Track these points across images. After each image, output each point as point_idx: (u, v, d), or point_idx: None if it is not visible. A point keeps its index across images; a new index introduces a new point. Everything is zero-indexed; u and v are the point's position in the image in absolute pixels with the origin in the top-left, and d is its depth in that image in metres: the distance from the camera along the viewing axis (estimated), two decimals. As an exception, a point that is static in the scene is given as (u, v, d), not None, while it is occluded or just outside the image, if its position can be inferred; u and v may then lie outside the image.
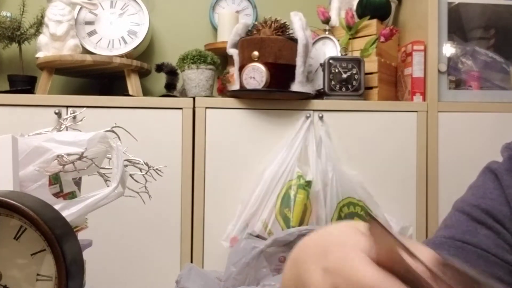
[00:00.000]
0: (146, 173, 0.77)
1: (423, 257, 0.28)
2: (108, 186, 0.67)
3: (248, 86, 1.70)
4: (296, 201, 1.66)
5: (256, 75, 1.68)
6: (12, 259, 0.52)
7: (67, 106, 1.70)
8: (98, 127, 0.72)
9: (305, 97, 1.77)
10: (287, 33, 1.76)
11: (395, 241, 0.28)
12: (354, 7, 1.98)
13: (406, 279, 0.28)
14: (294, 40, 1.71)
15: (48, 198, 0.63)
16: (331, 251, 0.32)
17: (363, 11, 1.93)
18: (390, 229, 0.29)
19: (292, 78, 1.71)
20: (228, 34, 1.86)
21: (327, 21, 1.97)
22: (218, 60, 1.90)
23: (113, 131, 0.73)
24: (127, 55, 1.89)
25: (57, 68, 1.85)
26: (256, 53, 1.69)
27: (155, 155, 1.65)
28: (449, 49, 1.92)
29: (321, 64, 1.86)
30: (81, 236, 0.68)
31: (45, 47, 1.81)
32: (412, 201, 1.81)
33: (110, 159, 0.72)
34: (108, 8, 1.93)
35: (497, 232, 0.60)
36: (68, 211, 0.63)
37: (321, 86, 1.83)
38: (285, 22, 1.77)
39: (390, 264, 0.29)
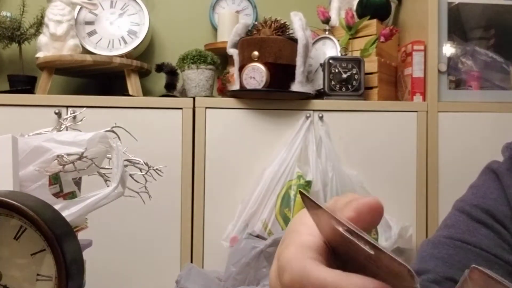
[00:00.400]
0: (146, 173, 0.77)
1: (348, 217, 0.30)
2: (108, 186, 0.67)
3: (248, 86, 1.70)
4: (296, 201, 1.66)
5: (256, 75, 1.68)
6: (12, 259, 0.52)
7: (67, 106, 1.70)
8: (98, 127, 0.72)
9: (305, 97, 1.78)
10: (287, 33, 1.76)
11: (325, 212, 0.29)
12: (354, 7, 1.98)
13: (346, 247, 0.29)
14: (294, 40, 1.71)
15: (48, 198, 0.63)
16: (284, 239, 0.34)
17: (363, 11, 1.93)
18: (319, 201, 0.30)
19: (292, 78, 1.71)
20: (228, 34, 1.86)
21: (327, 21, 1.97)
22: (218, 60, 1.90)
23: (113, 131, 0.73)
24: (127, 55, 1.89)
25: (57, 68, 1.85)
26: (256, 53, 1.69)
27: (155, 155, 1.66)
28: (449, 49, 1.92)
29: (321, 64, 1.86)
30: (81, 236, 0.68)
31: (45, 47, 1.81)
32: (412, 201, 1.81)
33: (110, 159, 0.72)
34: (108, 8, 1.93)
35: (497, 232, 0.60)
36: (68, 211, 0.63)
37: (321, 86, 1.83)
38: (285, 22, 1.77)
39: (333, 237, 0.30)
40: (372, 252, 0.27)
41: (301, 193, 0.31)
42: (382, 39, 1.89)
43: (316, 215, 0.31)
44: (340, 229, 0.29)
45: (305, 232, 0.32)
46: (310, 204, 0.31)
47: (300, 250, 0.31)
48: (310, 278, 0.28)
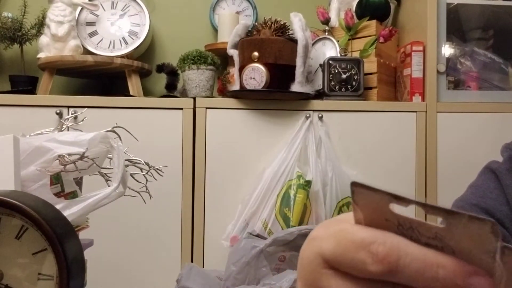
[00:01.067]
0: (146, 173, 0.77)
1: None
2: (109, 186, 0.67)
3: (248, 87, 1.70)
4: (296, 201, 1.66)
5: (256, 75, 1.69)
6: (13, 259, 0.52)
7: (68, 106, 1.71)
8: (99, 127, 0.72)
9: (305, 97, 1.78)
10: (287, 33, 1.76)
11: (383, 194, 0.27)
12: (354, 7, 1.98)
13: (401, 233, 0.28)
14: (294, 41, 1.71)
15: (50, 198, 0.63)
16: (316, 231, 0.32)
17: (362, 11, 1.94)
18: (374, 186, 0.28)
19: (292, 78, 1.71)
20: (228, 35, 1.86)
21: (326, 21, 1.98)
22: (219, 60, 1.90)
23: (114, 131, 0.73)
24: (128, 56, 1.90)
25: (58, 68, 1.86)
26: (256, 53, 1.70)
27: (155, 155, 1.66)
28: (448, 50, 1.93)
29: (320, 65, 1.86)
30: (82, 235, 0.68)
31: (47, 48, 1.81)
32: (411, 201, 1.81)
33: (111, 159, 0.72)
34: (109, 9, 1.93)
35: None
36: (69, 210, 0.63)
37: (321, 87, 1.84)
38: (285, 23, 1.77)
39: (382, 227, 0.28)
40: (442, 225, 0.25)
41: (353, 183, 0.29)
42: (381, 39, 1.89)
43: (365, 205, 0.29)
44: (403, 209, 0.26)
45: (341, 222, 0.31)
46: (361, 192, 0.28)
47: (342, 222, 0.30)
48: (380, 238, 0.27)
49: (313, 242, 0.30)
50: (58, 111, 1.69)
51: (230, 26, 1.95)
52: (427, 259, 0.26)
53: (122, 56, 1.86)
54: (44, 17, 1.84)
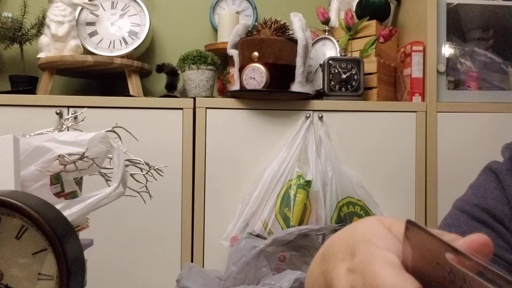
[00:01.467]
0: (146, 173, 0.77)
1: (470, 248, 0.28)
2: (109, 186, 0.67)
3: (248, 87, 1.70)
4: (296, 201, 1.66)
5: (256, 75, 1.69)
6: (13, 259, 0.52)
7: (68, 106, 1.71)
8: (99, 127, 0.72)
9: (305, 97, 1.78)
10: (287, 33, 1.76)
11: (440, 243, 0.27)
12: (354, 7, 1.98)
13: (449, 282, 0.28)
14: (294, 41, 1.71)
15: (50, 198, 0.63)
16: (358, 249, 0.31)
17: (362, 11, 1.94)
18: (430, 231, 0.28)
19: (292, 78, 1.71)
20: (228, 35, 1.86)
21: (326, 21, 1.98)
22: (219, 60, 1.90)
23: (114, 131, 0.73)
24: (128, 56, 1.90)
25: (58, 68, 1.86)
26: (256, 53, 1.70)
27: (155, 155, 1.67)
28: (448, 50, 1.93)
29: (320, 65, 1.86)
30: (82, 235, 0.68)
31: (46, 48, 1.81)
32: (411, 201, 1.82)
33: (111, 159, 0.72)
34: (109, 9, 1.93)
35: (497, 232, 0.61)
36: (69, 210, 0.63)
37: (321, 87, 1.84)
38: (285, 23, 1.77)
39: (431, 269, 0.28)
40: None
41: (408, 221, 0.29)
42: (381, 39, 1.89)
43: (418, 244, 0.29)
44: (455, 263, 0.26)
45: (381, 241, 0.30)
46: (415, 232, 0.28)
47: (381, 251, 0.29)
48: None
49: (331, 257, 0.30)
50: (58, 111, 1.69)
51: (230, 26, 1.95)
52: None
53: (122, 56, 1.87)
54: (44, 17, 1.85)
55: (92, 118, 0.90)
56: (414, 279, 0.27)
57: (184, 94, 1.94)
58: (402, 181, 1.82)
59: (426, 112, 1.83)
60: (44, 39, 1.82)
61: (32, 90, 1.84)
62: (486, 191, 0.64)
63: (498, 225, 0.61)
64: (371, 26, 1.91)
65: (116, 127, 0.74)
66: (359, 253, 0.30)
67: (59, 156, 0.66)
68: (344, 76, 1.80)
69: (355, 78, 1.80)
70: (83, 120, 0.84)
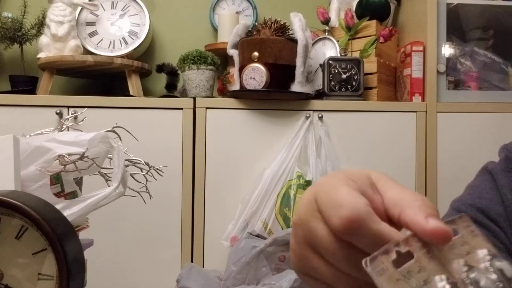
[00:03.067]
0: (146, 173, 0.77)
1: None
2: (109, 186, 0.68)
3: (248, 87, 1.70)
4: (296, 201, 1.66)
5: (256, 75, 1.69)
6: (13, 259, 0.52)
7: (68, 106, 1.71)
8: (99, 127, 0.72)
9: (305, 97, 1.78)
10: (287, 33, 1.76)
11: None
12: (354, 7, 1.98)
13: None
14: (294, 41, 1.72)
15: (50, 198, 0.63)
16: (321, 178, 0.38)
17: (362, 11, 1.94)
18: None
19: (292, 78, 1.71)
20: (228, 35, 1.86)
21: (326, 21, 1.98)
22: (219, 60, 1.90)
23: (114, 131, 0.73)
24: (128, 56, 1.90)
25: (58, 68, 1.86)
26: (256, 53, 1.70)
27: (155, 155, 1.67)
28: (448, 50, 1.93)
29: (320, 65, 1.86)
30: (82, 235, 0.68)
31: (46, 48, 1.81)
32: (411, 201, 1.81)
33: (111, 159, 0.72)
34: (109, 9, 1.93)
35: (492, 231, 0.61)
36: (69, 210, 0.63)
37: (321, 87, 1.84)
38: (285, 23, 1.77)
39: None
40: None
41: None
42: (381, 39, 1.89)
43: None
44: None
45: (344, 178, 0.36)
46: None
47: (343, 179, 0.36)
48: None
49: (314, 188, 0.36)
50: (58, 111, 1.69)
51: (230, 26, 1.95)
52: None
53: (122, 56, 1.87)
54: (44, 17, 1.85)
55: (92, 118, 0.90)
56: (365, 199, 0.34)
57: (184, 94, 1.94)
58: (402, 181, 1.78)
59: (426, 112, 1.83)
60: (44, 39, 1.82)
61: (32, 90, 1.84)
62: (482, 192, 0.65)
63: (492, 225, 0.61)
64: (371, 26, 1.91)
65: (116, 127, 0.74)
66: (321, 181, 0.37)
67: (59, 156, 0.66)
68: (344, 76, 1.80)
69: (355, 78, 1.80)
70: (83, 120, 0.84)
